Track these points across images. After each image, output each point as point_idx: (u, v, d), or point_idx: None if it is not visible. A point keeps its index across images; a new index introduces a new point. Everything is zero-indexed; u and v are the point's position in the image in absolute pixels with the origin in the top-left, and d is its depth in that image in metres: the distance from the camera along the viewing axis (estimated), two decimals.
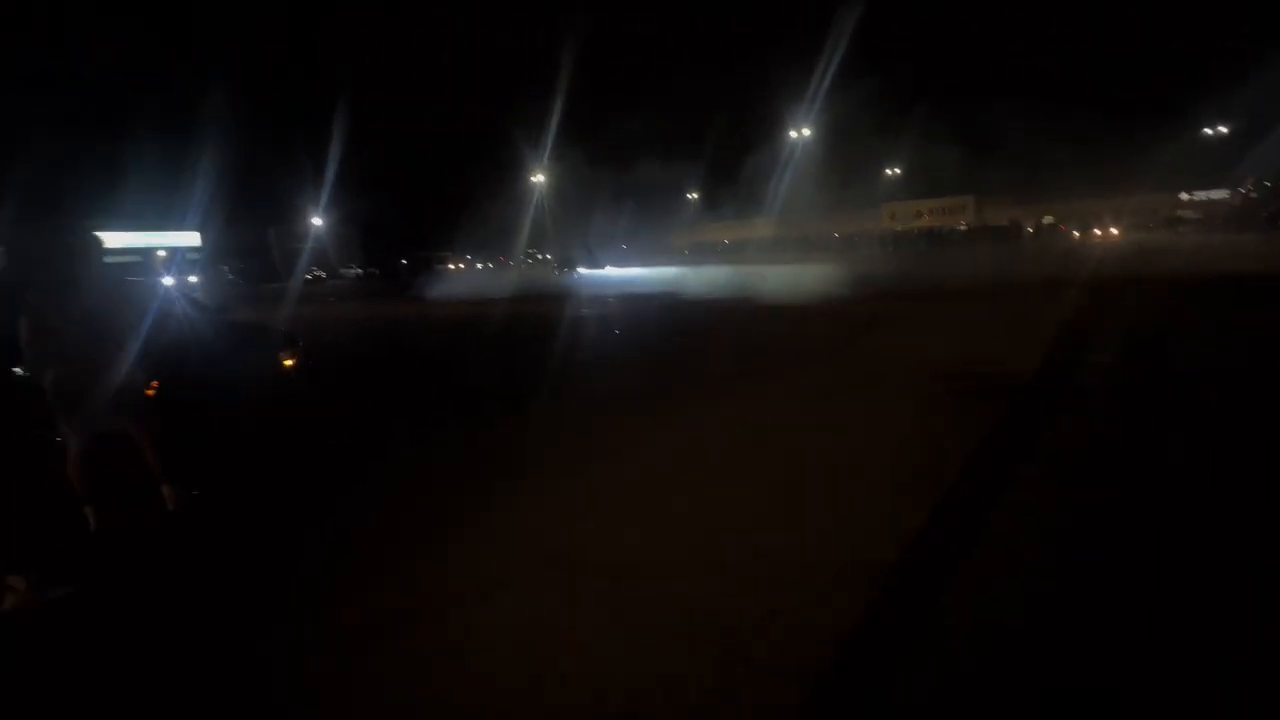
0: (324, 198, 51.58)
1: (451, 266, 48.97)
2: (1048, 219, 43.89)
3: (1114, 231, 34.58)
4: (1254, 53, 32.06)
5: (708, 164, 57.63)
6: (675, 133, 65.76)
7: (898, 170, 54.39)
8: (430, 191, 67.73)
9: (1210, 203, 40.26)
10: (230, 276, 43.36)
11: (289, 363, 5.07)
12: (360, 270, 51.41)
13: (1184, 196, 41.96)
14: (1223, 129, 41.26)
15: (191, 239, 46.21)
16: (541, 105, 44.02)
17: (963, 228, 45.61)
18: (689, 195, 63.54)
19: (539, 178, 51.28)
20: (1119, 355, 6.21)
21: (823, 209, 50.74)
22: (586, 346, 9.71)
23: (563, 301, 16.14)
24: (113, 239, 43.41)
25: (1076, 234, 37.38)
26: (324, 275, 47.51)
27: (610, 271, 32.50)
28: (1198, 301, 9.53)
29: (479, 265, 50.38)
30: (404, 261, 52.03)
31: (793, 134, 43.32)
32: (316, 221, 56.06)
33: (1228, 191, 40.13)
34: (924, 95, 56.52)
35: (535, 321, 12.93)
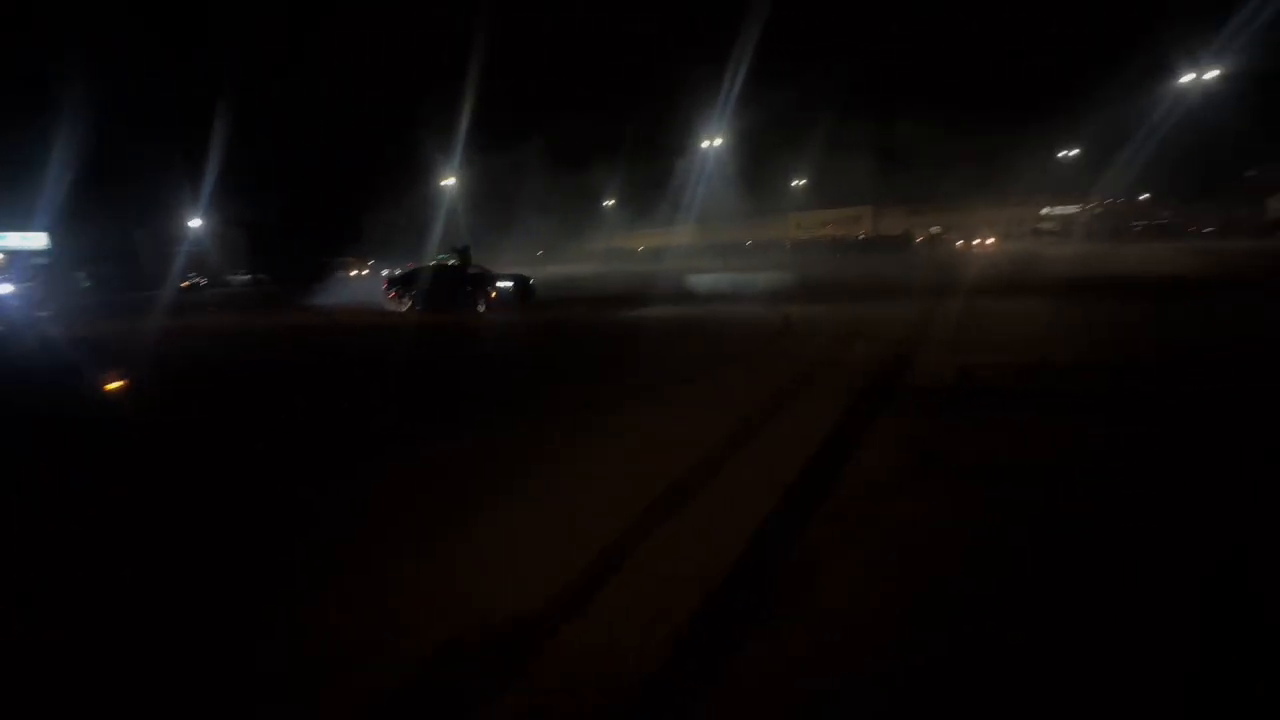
0: (204, 197, 46.89)
1: (354, 272, 45.86)
2: (935, 229, 47.89)
3: (990, 240, 38.44)
4: (1104, 86, 36.75)
5: (626, 171, 58.11)
6: (595, 140, 65.68)
7: (804, 181, 57.32)
8: (334, 193, 63.34)
9: (1065, 216, 45.97)
10: (86, 283, 38.08)
11: (114, 386, 4.27)
12: (250, 276, 46.94)
13: (1044, 211, 47.50)
14: (1074, 152, 46.83)
15: (38, 240, 40.24)
16: (454, 107, 42.38)
17: (861, 236, 48.87)
18: (606, 202, 63.80)
19: (450, 180, 49.39)
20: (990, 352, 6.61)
21: (735, 217, 52.81)
22: (464, 356, 9.16)
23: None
24: None
25: (959, 242, 41.10)
26: (204, 282, 42.90)
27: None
28: (1072, 300, 10.48)
29: (383, 271, 47.58)
30: (299, 267, 48.15)
31: (705, 143, 44.42)
32: (195, 223, 50.76)
33: (1078, 207, 46.16)
34: (830, 109, 60.07)
35: (425, 331, 12.10)
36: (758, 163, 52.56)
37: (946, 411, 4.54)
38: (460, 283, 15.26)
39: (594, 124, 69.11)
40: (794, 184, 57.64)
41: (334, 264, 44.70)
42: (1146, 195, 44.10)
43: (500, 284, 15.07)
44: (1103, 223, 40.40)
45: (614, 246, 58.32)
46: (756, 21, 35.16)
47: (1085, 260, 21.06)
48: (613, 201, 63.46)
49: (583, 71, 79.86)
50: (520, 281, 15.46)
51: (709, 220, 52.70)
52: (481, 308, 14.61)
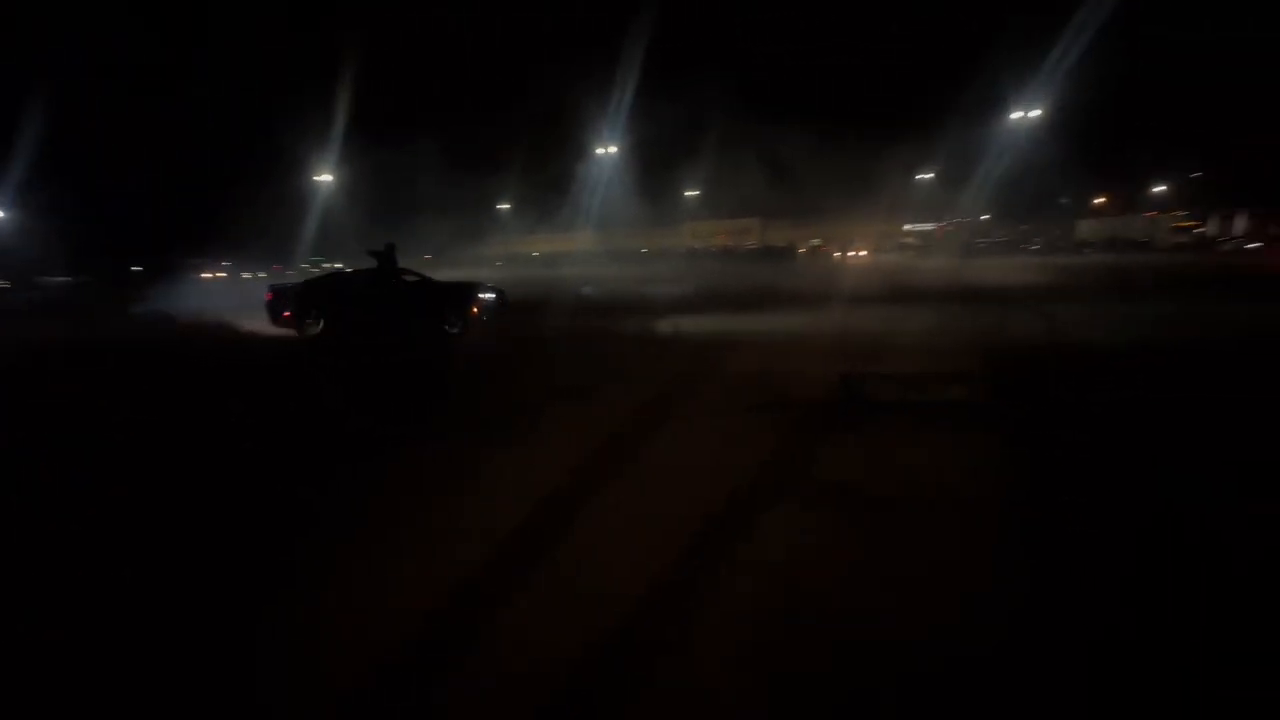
0: (8, 186, 39.23)
1: (207, 275, 40.52)
2: (815, 241, 51.45)
3: (864, 253, 41.90)
4: (954, 114, 41.65)
5: (523, 174, 56.61)
6: (491, 142, 63.34)
7: (698, 191, 59.19)
8: (183, 187, 55.72)
9: (924, 232, 51.43)
10: None
11: None
12: (70, 278, 39.78)
13: (907, 227, 52.79)
14: (930, 175, 52.40)
15: None
16: (329, 103, 38.74)
17: (751, 246, 51.38)
18: (500, 206, 61.83)
19: (326, 177, 45.25)
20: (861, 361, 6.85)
21: (633, 224, 53.41)
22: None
23: None
24: None
25: (837, 254, 44.42)
26: (6, 285, 35.73)
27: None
28: (942, 309, 11.32)
29: (245, 275, 42.50)
30: (137, 269, 41.69)
31: (600, 150, 44.36)
32: None
33: (934, 224, 51.88)
34: (721, 122, 62.54)
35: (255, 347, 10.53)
36: (654, 172, 53.52)
37: (821, 425, 4.48)
38: (417, 298, 10.77)
39: (491, 126, 66.93)
40: (688, 194, 59.33)
41: (182, 265, 39.19)
42: (987, 216, 50.27)
43: (483, 295, 11.29)
44: (954, 239, 45.66)
45: (512, 251, 56.49)
46: (645, 30, 35.78)
47: (943, 272, 23.36)
48: (508, 205, 61.66)
49: (479, 72, 77.07)
50: (500, 293, 12.10)
51: (608, 226, 52.82)
52: (456, 329, 10.59)
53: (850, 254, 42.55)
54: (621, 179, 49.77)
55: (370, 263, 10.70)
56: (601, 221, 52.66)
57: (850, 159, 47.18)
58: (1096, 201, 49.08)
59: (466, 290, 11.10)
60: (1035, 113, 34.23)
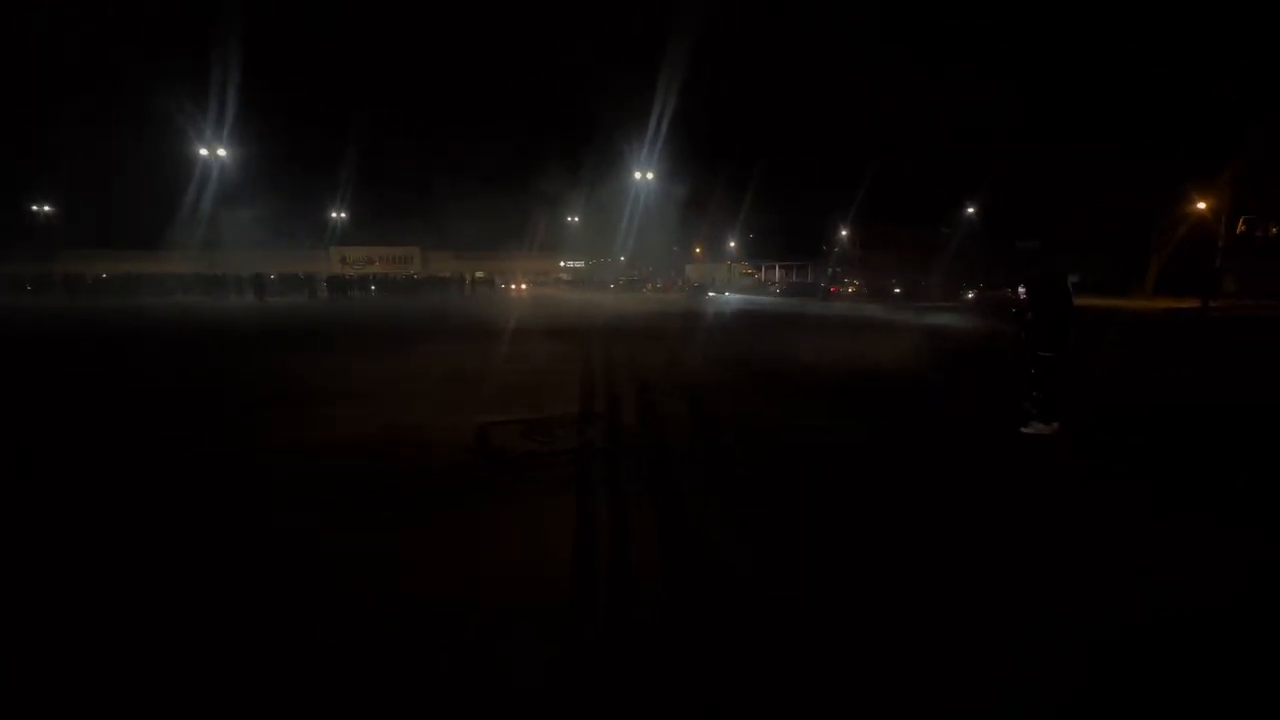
0: None
1: None
2: (480, 273, 52.06)
3: (524, 285, 44.37)
4: (591, 168, 48.18)
5: (71, 172, 40.73)
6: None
7: (343, 214, 52.98)
8: None
9: (574, 269, 57.81)
10: None
11: None
12: None
13: (561, 263, 58.35)
14: (577, 219, 59.07)
15: None
16: None
17: (414, 275, 48.72)
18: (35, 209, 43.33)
19: None
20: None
21: (259, 245, 44.29)
22: None
23: None
24: None
25: (502, 285, 45.86)
26: None
27: None
28: (591, 343, 12.26)
29: None
30: None
31: (203, 152, 35.48)
32: None
33: (584, 262, 58.76)
34: (366, 146, 57.54)
35: None
36: (290, 192, 45.83)
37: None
38: None
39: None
40: (334, 216, 52.58)
41: None
42: (624, 257, 59.34)
43: None
44: (596, 275, 52.66)
45: (61, 273, 39.35)
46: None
47: (592, 304, 26.19)
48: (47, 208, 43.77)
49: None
50: None
51: (221, 246, 42.50)
52: None
53: (512, 287, 44.52)
54: (242, 192, 41.03)
55: None
56: (214, 239, 42.25)
57: (510, 197, 49.57)
58: (697, 251, 63.05)
59: None
60: (649, 175, 41.90)
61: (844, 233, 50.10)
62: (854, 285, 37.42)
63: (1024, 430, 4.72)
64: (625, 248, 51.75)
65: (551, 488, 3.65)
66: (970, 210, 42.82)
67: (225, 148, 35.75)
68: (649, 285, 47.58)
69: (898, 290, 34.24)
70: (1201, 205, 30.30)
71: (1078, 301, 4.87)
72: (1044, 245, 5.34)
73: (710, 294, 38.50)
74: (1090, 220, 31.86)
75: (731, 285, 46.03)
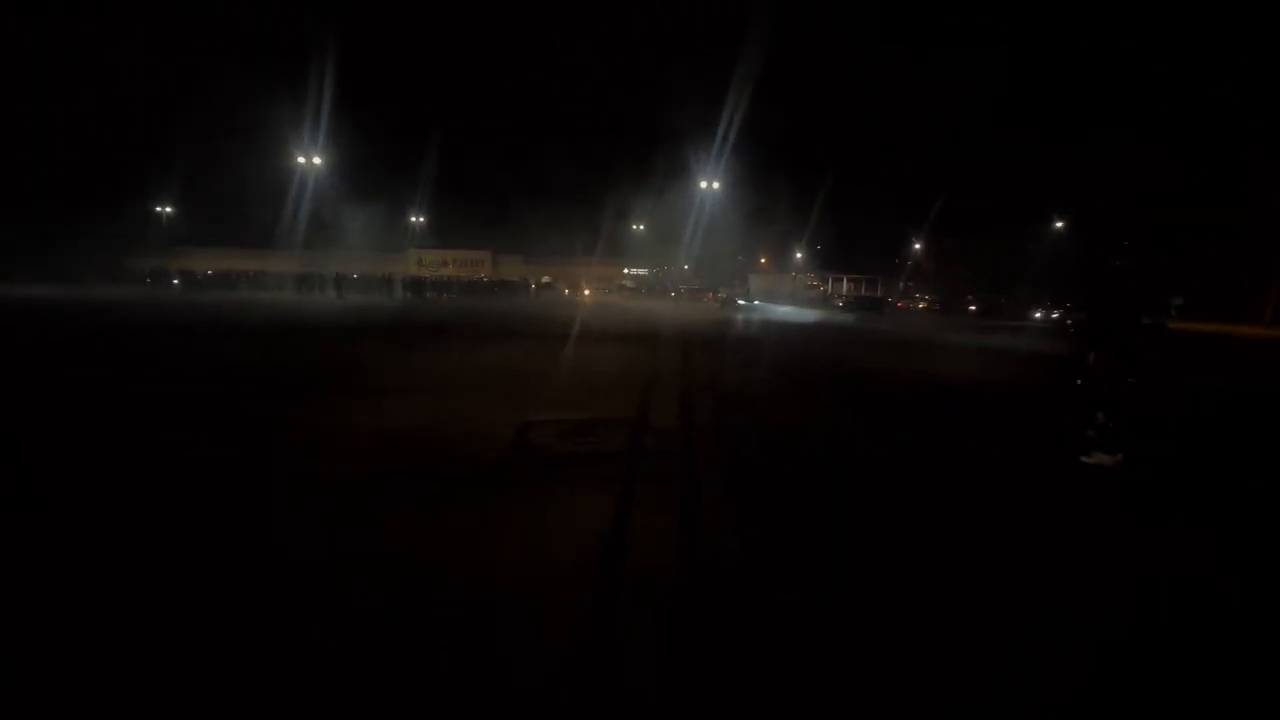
0: None
1: None
2: (546, 279, 53.57)
3: (588, 291, 45.21)
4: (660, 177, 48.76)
5: (187, 175, 45.32)
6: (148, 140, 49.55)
7: (422, 219, 56.06)
8: None
9: (638, 276, 58.42)
10: None
11: None
12: None
13: (626, 270, 59.16)
14: (642, 226, 59.68)
15: None
16: None
17: (485, 279, 50.89)
18: (158, 209, 48.37)
19: None
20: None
21: (347, 246, 48.07)
22: None
23: None
24: None
25: (566, 290, 46.97)
26: None
27: None
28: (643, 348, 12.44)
29: None
30: None
31: (300, 160, 38.60)
32: None
33: (646, 270, 59.31)
34: (447, 155, 60.73)
35: None
36: (374, 197, 49.23)
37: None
38: None
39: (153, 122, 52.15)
40: (413, 220, 55.68)
41: None
42: (687, 266, 59.39)
43: None
44: (659, 283, 52.96)
45: (185, 267, 42.91)
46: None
47: (654, 312, 26.41)
48: (168, 209, 48.74)
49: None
50: None
51: (314, 246, 46.13)
52: None
53: (576, 292, 45.50)
54: (338, 197, 44.44)
55: None
56: (313, 240, 46.03)
57: (577, 206, 50.99)
58: (762, 261, 62.07)
59: None
60: (715, 184, 41.79)
61: (918, 246, 48.09)
62: (925, 300, 35.81)
63: (1084, 459, 4.44)
64: (689, 255, 51.85)
65: (586, 485, 3.79)
66: (1059, 224, 39.98)
67: (321, 156, 38.81)
68: (708, 295, 47.53)
69: (973, 308, 32.48)
70: None
71: (1177, 325, 4.56)
72: (1140, 263, 4.99)
73: (740, 302, 36.36)
74: (1198, 234, 28.87)
75: (796, 298, 45.04)
